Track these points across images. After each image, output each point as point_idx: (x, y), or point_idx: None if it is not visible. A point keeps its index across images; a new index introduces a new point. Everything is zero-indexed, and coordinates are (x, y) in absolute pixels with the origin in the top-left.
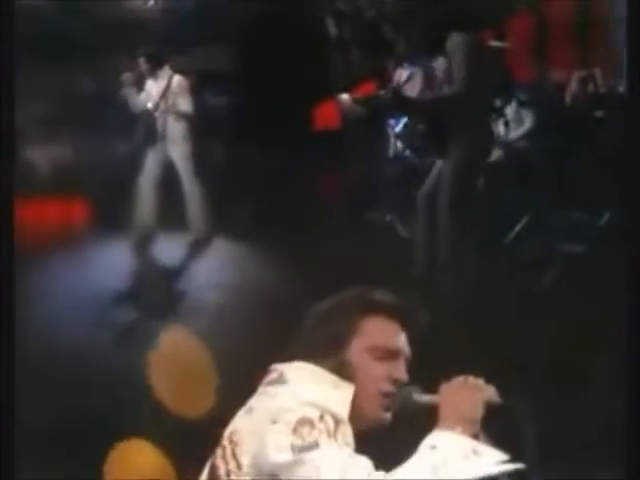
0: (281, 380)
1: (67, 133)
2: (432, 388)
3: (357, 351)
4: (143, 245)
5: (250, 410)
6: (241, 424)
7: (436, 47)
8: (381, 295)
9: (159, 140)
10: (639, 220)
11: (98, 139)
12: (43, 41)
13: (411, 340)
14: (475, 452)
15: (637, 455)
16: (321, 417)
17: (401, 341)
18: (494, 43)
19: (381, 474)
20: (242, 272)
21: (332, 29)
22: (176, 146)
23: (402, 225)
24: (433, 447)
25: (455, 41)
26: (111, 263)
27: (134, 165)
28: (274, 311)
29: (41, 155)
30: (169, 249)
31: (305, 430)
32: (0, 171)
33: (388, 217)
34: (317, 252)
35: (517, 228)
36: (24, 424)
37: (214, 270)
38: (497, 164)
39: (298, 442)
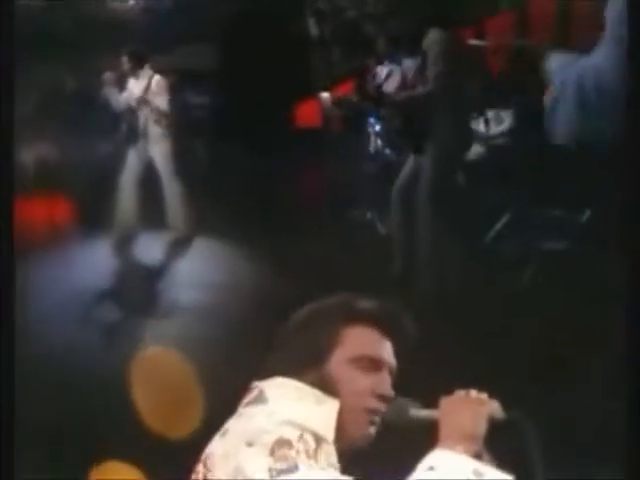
0: (260, 399)
1: (50, 131)
2: (425, 400)
3: (339, 362)
4: (125, 244)
5: (225, 433)
6: (215, 448)
7: (415, 44)
8: (365, 303)
9: (140, 139)
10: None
11: (81, 138)
12: (26, 40)
13: (397, 351)
14: (476, 473)
15: (637, 455)
16: (300, 437)
17: (386, 351)
18: (474, 41)
19: None
20: (224, 271)
21: (313, 28)
22: (157, 145)
23: (382, 223)
24: (431, 468)
25: (432, 38)
26: (93, 261)
27: (116, 164)
28: (256, 311)
29: (24, 153)
30: (150, 248)
31: (283, 452)
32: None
33: (369, 215)
34: (298, 250)
35: (498, 226)
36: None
37: (195, 269)
38: (477, 161)
39: (276, 465)
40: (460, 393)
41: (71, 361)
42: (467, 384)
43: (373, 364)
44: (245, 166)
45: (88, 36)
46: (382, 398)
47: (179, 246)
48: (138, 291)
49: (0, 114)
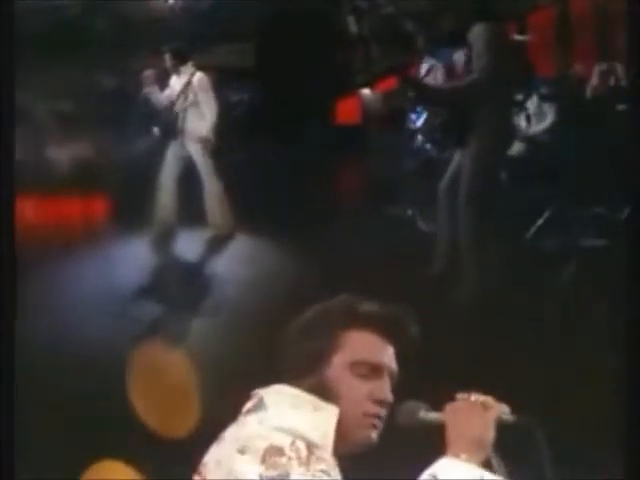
0: (260, 406)
1: (88, 130)
2: (444, 395)
3: (338, 367)
4: (163, 241)
5: (220, 440)
6: (210, 456)
7: (457, 39)
8: (368, 306)
9: (179, 136)
10: None
11: (119, 136)
12: (65, 39)
13: (399, 356)
14: None
15: (637, 455)
16: (292, 443)
17: (387, 357)
18: (517, 37)
19: None
20: (263, 268)
21: (352, 25)
22: (196, 142)
23: (423, 220)
24: (433, 476)
25: (477, 31)
26: (131, 259)
27: (155, 161)
28: (295, 308)
29: (62, 152)
30: (189, 245)
31: (274, 460)
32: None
33: (409, 212)
34: (338, 248)
35: (539, 222)
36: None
37: (234, 266)
38: (519, 158)
39: (267, 473)
40: (464, 398)
41: (109, 356)
42: (496, 384)
43: (373, 370)
44: (285, 163)
45: (127, 35)
46: (381, 403)
47: (218, 243)
48: (177, 288)
49: (1, 114)
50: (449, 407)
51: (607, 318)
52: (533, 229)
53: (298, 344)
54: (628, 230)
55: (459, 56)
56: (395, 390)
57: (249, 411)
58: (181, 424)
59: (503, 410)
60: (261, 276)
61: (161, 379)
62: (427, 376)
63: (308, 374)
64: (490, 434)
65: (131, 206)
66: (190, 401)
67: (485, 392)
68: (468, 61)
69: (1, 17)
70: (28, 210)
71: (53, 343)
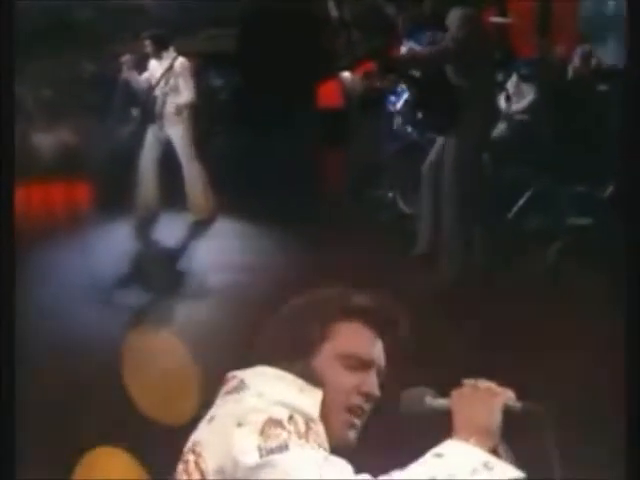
0: (241, 387)
1: (70, 116)
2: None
3: (326, 357)
4: (145, 226)
5: (212, 419)
6: (202, 434)
7: (437, 23)
8: (360, 299)
9: (159, 121)
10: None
11: (101, 122)
12: (47, 27)
13: (391, 349)
14: (486, 466)
15: (637, 455)
16: (290, 417)
17: (376, 351)
18: (497, 19)
19: (367, 476)
20: (245, 253)
21: (333, 10)
22: (177, 127)
23: (405, 202)
24: (439, 455)
25: (454, 15)
26: (114, 244)
27: (136, 147)
28: (278, 292)
29: (44, 138)
30: (171, 230)
31: (273, 431)
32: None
33: (391, 194)
34: (320, 231)
35: (521, 202)
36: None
37: (217, 251)
38: (500, 139)
39: (266, 444)
40: (470, 382)
41: (92, 343)
42: (486, 368)
43: (361, 363)
44: (267, 147)
45: (108, 21)
46: (367, 396)
47: (200, 228)
48: (160, 273)
49: (0, 114)
50: (455, 393)
51: (592, 296)
52: (515, 209)
53: (287, 329)
54: (611, 208)
55: (437, 39)
56: (385, 383)
57: (228, 392)
58: (180, 410)
59: (510, 396)
60: (244, 260)
61: (157, 365)
62: (410, 360)
63: (295, 360)
64: (497, 420)
65: (114, 192)
66: (188, 387)
67: (468, 375)
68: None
69: (1, 17)
70: None
71: (37, 330)
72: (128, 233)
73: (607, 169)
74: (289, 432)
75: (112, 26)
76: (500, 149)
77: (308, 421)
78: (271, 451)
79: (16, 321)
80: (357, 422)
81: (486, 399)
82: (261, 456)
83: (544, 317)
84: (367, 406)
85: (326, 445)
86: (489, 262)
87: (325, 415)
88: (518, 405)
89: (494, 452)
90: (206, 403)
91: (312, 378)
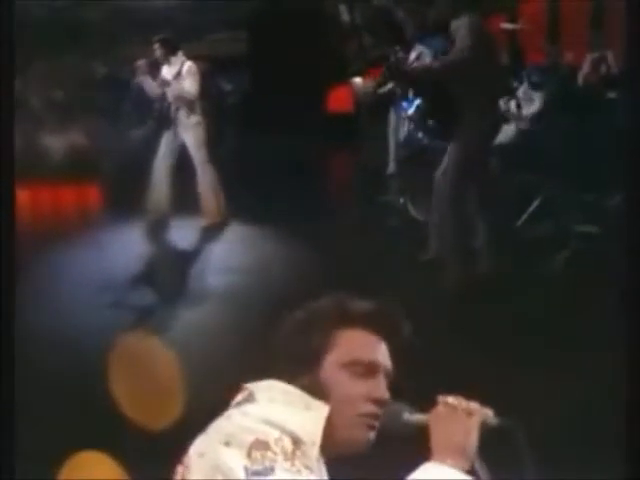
0: (250, 400)
1: (82, 119)
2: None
3: (332, 367)
4: (156, 229)
5: (207, 432)
6: (194, 447)
7: (446, 29)
8: (360, 305)
9: (172, 125)
10: None
11: (113, 125)
12: (59, 28)
13: (393, 354)
14: None
15: (637, 455)
16: (278, 438)
17: (381, 355)
18: (507, 25)
19: None
20: (256, 256)
21: (344, 14)
22: (189, 131)
23: (415, 207)
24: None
25: (459, 22)
26: (125, 247)
27: (148, 150)
28: (289, 295)
29: (57, 140)
30: (183, 234)
31: (260, 453)
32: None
33: (401, 199)
34: (331, 235)
35: (530, 209)
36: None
37: (228, 254)
38: (510, 145)
39: (252, 466)
40: (446, 400)
41: (101, 344)
42: (490, 374)
43: (368, 369)
44: (277, 151)
45: (121, 24)
46: (377, 402)
47: (212, 232)
48: (170, 277)
49: (0, 116)
50: (432, 414)
51: (600, 304)
52: (525, 216)
53: (290, 344)
54: (619, 216)
55: (445, 46)
56: (391, 388)
57: (238, 404)
58: (163, 415)
59: (487, 413)
60: (254, 265)
61: (142, 369)
62: (417, 364)
63: (301, 374)
64: (473, 441)
65: (125, 195)
66: (172, 391)
67: (477, 383)
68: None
69: (1, 17)
70: (22, 199)
71: (46, 330)
72: (139, 236)
73: (616, 177)
74: (275, 453)
75: (123, 28)
76: (509, 156)
77: (296, 442)
78: (257, 473)
79: (26, 323)
80: (373, 423)
81: (462, 419)
82: (247, 477)
83: (551, 323)
84: (379, 411)
85: (314, 466)
86: (497, 268)
87: (336, 424)
88: (495, 421)
89: (471, 469)
90: (189, 408)
91: (319, 389)
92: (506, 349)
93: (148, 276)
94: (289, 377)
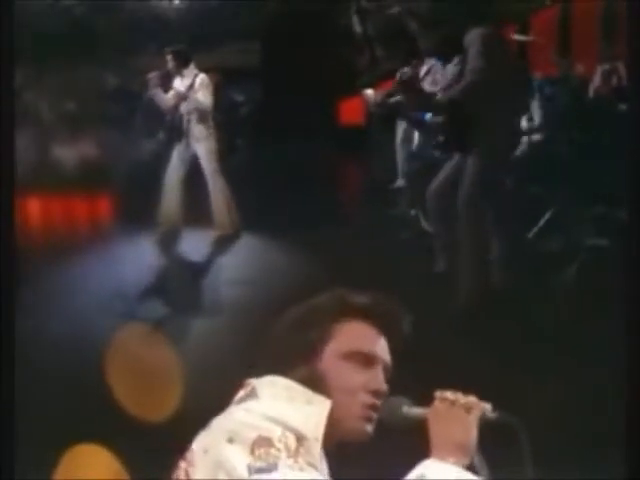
0: (252, 396)
1: (94, 130)
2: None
3: (330, 358)
4: (168, 241)
5: (210, 428)
6: (198, 443)
7: (459, 42)
8: (360, 298)
9: (184, 137)
10: None
11: (124, 136)
12: (71, 40)
13: (392, 348)
14: None
15: (637, 455)
16: (282, 435)
17: (380, 347)
18: (518, 37)
19: None
20: (268, 268)
21: (357, 26)
22: (201, 143)
23: (427, 220)
24: (423, 476)
25: (472, 35)
26: (137, 259)
27: (159, 162)
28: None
29: (68, 152)
30: (194, 245)
31: (263, 450)
32: (2, 171)
33: (412, 212)
34: (342, 247)
35: (541, 223)
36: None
37: (239, 266)
38: (521, 158)
39: (255, 463)
40: (444, 396)
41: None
42: (498, 384)
43: (366, 360)
44: (289, 163)
45: (133, 36)
46: (376, 393)
47: (224, 244)
48: (182, 289)
49: (0, 116)
50: (431, 410)
51: (610, 318)
52: (535, 229)
53: (289, 336)
54: (630, 230)
55: (457, 59)
56: (389, 383)
57: (241, 400)
58: (159, 407)
59: (486, 408)
60: (266, 277)
61: (139, 361)
62: (428, 377)
63: (299, 365)
64: (473, 437)
65: (136, 206)
66: (169, 384)
67: (486, 394)
68: (463, 65)
69: (1, 17)
70: (34, 210)
71: (57, 342)
72: (150, 248)
73: (626, 190)
74: (278, 450)
75: (135, 40)
76: (520, 168)
77: (299, 438)
78: (260, 470)
79: (35, 333)
80: (372, 415)
81: (462, 415)
82: (250, 475)
83: (562, 337)
84: (378, 403)
85: (317, 463)
86: (508, 281)
87: (336, 416)
88: (494, 416)
89: (470, 464)
90: (187, 401)
91: (318, 381)
92: (514, 363)
93: (159, 287)
94: (288, 369)
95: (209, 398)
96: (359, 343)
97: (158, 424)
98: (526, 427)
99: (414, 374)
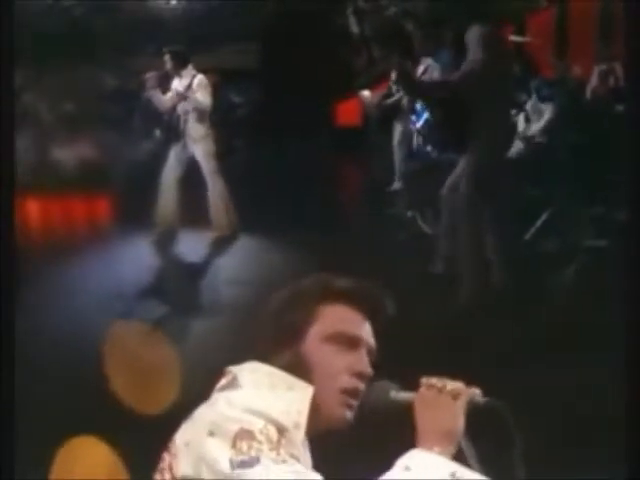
0: (234, 384)
1: (92, 131)
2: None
3: (314, 340)
4: (165, 241)
5: (191, 419)
6: (181, 435)
7: (456, 41)
8: (343, 282)
9: (182, 138)
10: None
11: (122, 137)
12: (70, 41)
13: (376, 331)
14: (453, 475)
15: (637, 455)
16: (263, 427)
17: (364, 330)
18: (515, 38)
19: None
20: (265, 269)
21: (354, 27)
22: (198, 144)
23: (424, 221)
24: (407, 468)
25: (473, 34)
26: (135, 259)
27: (157, 163)
28: None
29: (66, 152)
30: (192, 246)
31: (245, 443)
32: (1, 171)
33: (410, 213)
34: (340, 249)
35: (538, 223)
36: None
37: (236, 267)
38: (518, 159)
39: (237, 457)
40: (431, 382)
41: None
42: (497, 385)
43: (350, 342)
44: (287, 164)
45: (131, 36)
46: (360, 376)
47: (222, 244)
48: (180, 289)
49: (0, 115)
50: (418, 397)
51: (608, 318)
52: (533, 230)
53: (273, 321)
54: (628, 230)
55: (455, 58)
56: (374, 367)
57: (222, 388)
58: (156, 400)
59: (473, 392)
60: (264, 277)
61: (136, 355)
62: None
63: (283, 349)
64: (460, 424)
65: (135, 207)
66: (166, 377)
67: (485, 394)
68: (462, 62)
69: (1, 17)
70: (32, 210)
71: (57, 342)
72: (148, 248)
73: (623, 190)
74: (260, 442)
75: (133, 40)
76: (518, 170)
77: (281, 430)
78: (242, 464)
79: (35, 333)
80: (353, 402)
81: (449, 402)
82: (232, 469)
83: (561, 337)
84: (361, 386)
85: (300, 453)
86: (506, 282)
87: (319, 400)
88: (482, 401)
89: (458, 450)
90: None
91: (302, 364)
92: (513, 363)
93: (157, 288)
94: (273, 353)
95: (207, 396)
96: (343, 325)
97: (155, 418)
98: (526, 428)
99: (412, 374)
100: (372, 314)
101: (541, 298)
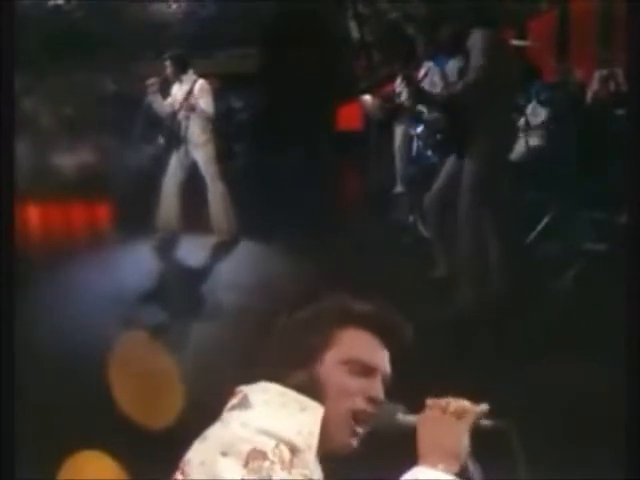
0: (244, 404)
1: (93, 136)
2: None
3: (330, 364)
4: (166, 246)
5: (204, 439)
6: (193, 454)
7: (457, 45)
8: (363, 307)
9: (183, 143)
10: None
11: (123, 142)
12: (70, 45)
13: (393, 359)
14: None
15: (637, 455)
16: (276, 447)
17: (380, 358)
18: (516, 42)
19: None
20: (266, 274)
21: (354, 31)
22: (199, 149)
23: (425, 226)
24: None
25: (475, 38)
26: (135, 265)
27: (158, 168)
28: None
29: (67, 158)
30: (193, 251)
31: (257, 463)
32: (1, 177)
33: (411, 218)
34: (341, 253)
35: (539, 227)
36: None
37: (237, 272)
38: (519, 163)
39: (250, 477)
40: (435, 403)
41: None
42: (496, 388)
43: (365, 369)
44: (287, 169)
45: (131, 40)
46: (372, 401)
47: (222, 249)
48: (181, 294)
49: (1, 117)
50: (421, 418)
51: (608, 322)
52: (534, 234)
53: (290, 341)
54: (628, 234)
55: (457, 62)
56: (388, 393)
57: (233, 408)
58: (161, 414)
59: (480, 413)
60: (265, 282)
61: (141, 369)
62: (426, 382)
63: (297, 369)
64: (463, 444)
65: (135, 212)
66: (171, 391)
67: (485, 398)
68: (465, 67)
69: (1, 17)
70: (32, 216)
71: (56, 348)
72: (149, 253)
73: (624, 195)
74: (272, 462)
75: (134, 45)
76: (518, 174)
77: (294, 450)
78: None
79: (33, 338)
80: (360, 430)
81: (451, 422)
82: None
83: (561, 341)
84: (372, 411)
85: (312, 474)
86: (507, 286)
87: (327, 422)
88: (487, 423)
89: (463, 469)
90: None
91: (315, 386)
92: (513, 367)
93: (158, 293)
94: (287, 372)
95: (209, 403)
96: (360, 352)
97: (160, 432)
98: (526, 428)
99: (412, 380)
100: (389, 340)
101: (542, 302)
